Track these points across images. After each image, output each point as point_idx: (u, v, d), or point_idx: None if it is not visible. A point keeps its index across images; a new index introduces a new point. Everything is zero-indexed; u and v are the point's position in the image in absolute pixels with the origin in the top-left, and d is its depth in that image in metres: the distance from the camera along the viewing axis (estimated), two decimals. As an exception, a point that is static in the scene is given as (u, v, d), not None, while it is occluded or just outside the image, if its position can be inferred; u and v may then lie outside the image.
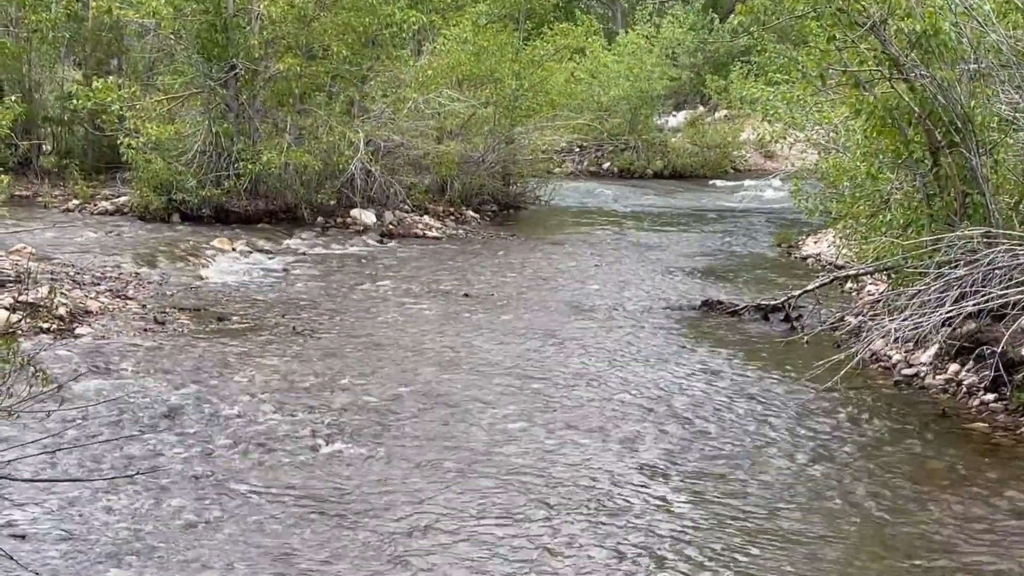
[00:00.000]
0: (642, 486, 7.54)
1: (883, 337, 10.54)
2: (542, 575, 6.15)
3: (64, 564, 6.04)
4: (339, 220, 19.19)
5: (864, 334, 10.84)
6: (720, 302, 13.65)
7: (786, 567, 6.33)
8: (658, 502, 7.27)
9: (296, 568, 6.14)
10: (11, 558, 5.90)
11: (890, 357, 10.84)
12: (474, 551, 6.42)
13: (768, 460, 8.14)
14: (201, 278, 14.47)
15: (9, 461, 7.00)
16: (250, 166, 18.25)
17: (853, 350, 10.08)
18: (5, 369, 6.24)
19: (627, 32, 35.71)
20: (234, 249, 16.39)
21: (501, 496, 7.26)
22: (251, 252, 16.45)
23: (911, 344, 10.58)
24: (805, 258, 17.99)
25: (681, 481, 7.67)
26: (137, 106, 18.71)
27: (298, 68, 18.68)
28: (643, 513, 7.07)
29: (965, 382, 9.85)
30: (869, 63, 10.98)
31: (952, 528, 6.93)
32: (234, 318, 12.17)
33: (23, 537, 6.32)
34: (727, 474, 7.83)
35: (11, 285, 11.94)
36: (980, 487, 7.67)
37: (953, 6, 10.40)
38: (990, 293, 9.41)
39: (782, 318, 12.84)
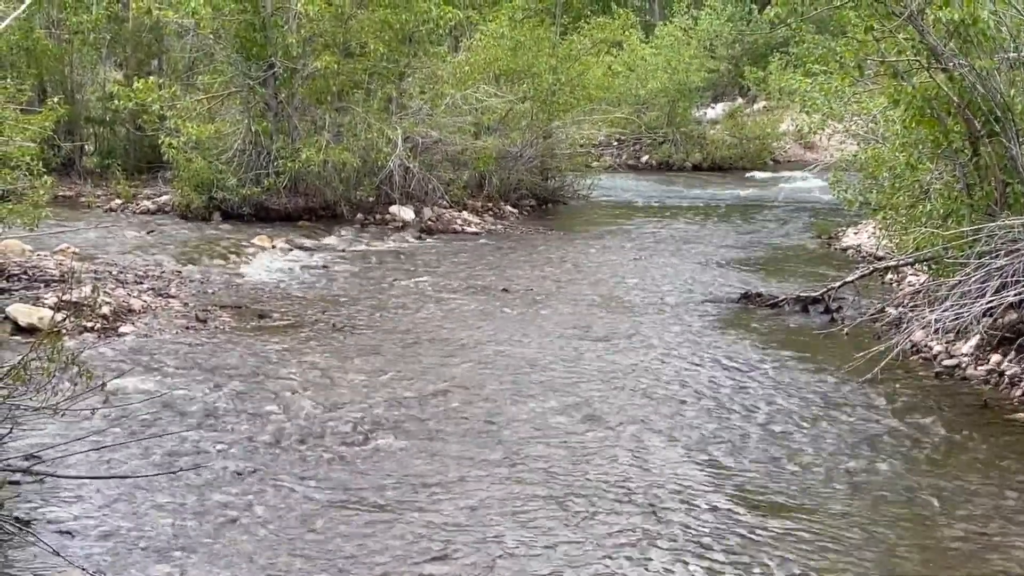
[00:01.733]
0: (682, 481, 7.54)
1: (924, 328, 10.50)
2: (582, 570, 6.18)
3: (110, 560, 6.12)
4: (378, 217, 19.27)
5: (904, 325, 10.80)
6: (760, 294, 13.62)
7: (827, 556, 6.33)
8: (699, 497, 7.27)
9: (339, 562, 6.19)
10: (58, 554, 5.98)
11: (931, 348, 10.77)
12: (515, 547, 6.45)
13: (809, 451, 8.12)
14: (242, 276, 14.58)
15: (55, 459, 7.11)
16: (289, 164, 18.36)
17: (893, 341, 10.04)
18: (50, 368, 6.33)
19: (664, 24, 35.59)
20: (274, 246, 16.50)
21: (542, 491, 7.28)
22: (291, 249, 16.55)
23: (952, 335, 10.52)
24: (845, 249, 17.89)
25: (722, 474, 7.67)
26: (177, 106, 18.85)
27: (336, 66, 18.76)
28: (683, 509, 7.08)
29: (1007, 372, 9.78)
30: (907, 53, 10.92)
31: (995, 520, 6.90)
32: (275, 315, 12.27)
33: (70, 533, 6.40)
34: (769, 465, 7.82)
35: (56, 285, 12.10)
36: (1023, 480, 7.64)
37: (992, -6, 10.34)
38: (1031, 283, 9.36)
39: (822, 310, 12.79)
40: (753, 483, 7.53)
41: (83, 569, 5.88)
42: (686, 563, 6.25)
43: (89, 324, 10.96)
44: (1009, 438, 8.47)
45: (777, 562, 6.27)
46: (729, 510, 7.04)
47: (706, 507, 7.07)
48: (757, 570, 6.18)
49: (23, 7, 4.93)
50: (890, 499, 7.28)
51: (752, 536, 6.63)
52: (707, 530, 6.70)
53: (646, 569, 6.17)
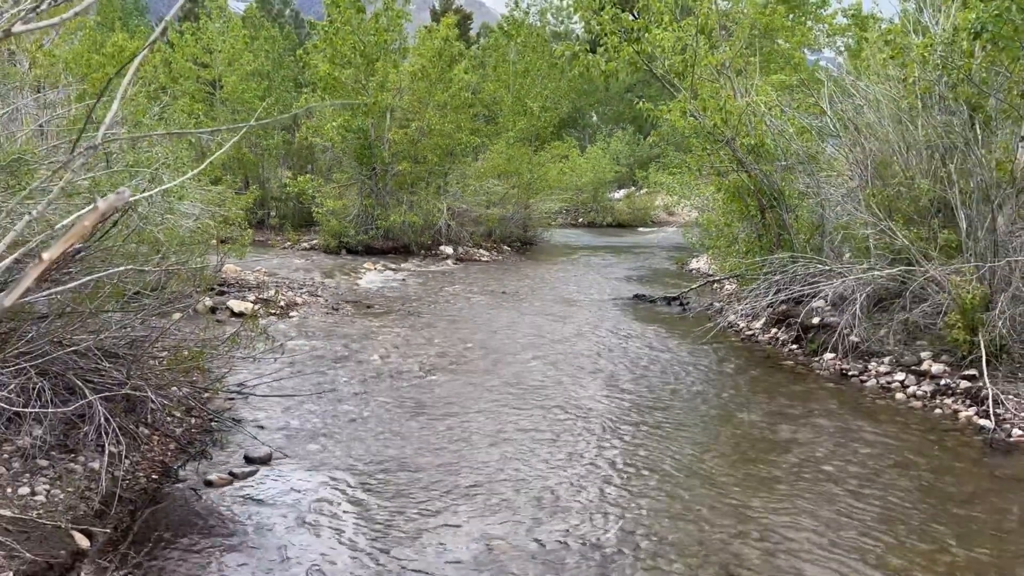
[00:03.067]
0: (600, 394, 7.56)
1: (734, 314, 10.56)
2: (544, 435, 6.20)
3: (284, 442, 6.14)
4: (433, 252, 19.24)
5: (724, 312, 10.84)
6: (644, 295, 13.64)
7: (676, 433, 6.35)
8: (608, 402, 7.29)
9: (410, 440, 6.21)
10: (255, 438, 6.02)
11: (739, 325, 10.81)
12: (507, 428, 6.46)
13: (668, 380, 8.14)
14: (357, 285, 14.56)
15: (254, 385, 7.13)
16: (383, 222, 18.41)
17: (718, 322, 10.10)
18: (251, 335, 6.36)
19: (591, 146, 35.62)
20: (375, 268, 16.49)
21: (522, 401, 7.30)
22: (384, 270, 16.52)
23: (750, 318, 10.58)
24: (692, 270, 17.89)
25: (622, 390, 7.69)
26: (321, 190, 18.93)
27: (409, 168, 18.84)
28: (597, 408, 7.09)
29: (780, 338, 9.83)
30: (725, 162, 11.01)
31: (774, 416, 6.93)
32: (375, 306, 12.26)
33: (261, 427, 6.43)
34: (645, 386, 7.83)
35: (254, 289, 12.12)
36: (787, 395, 7.65)
37: (772, 130, 10.41)
38: (793, 289, 9.41)
39: (678, 304, 12.81)
40: (636, 392, 7.55)
41: (268, 446, 5.91)
42: (593, 425, 6.29)
43: (273, 311, 10.99)
44: (780, 373, 8.51)
45: (648, 433, 6.31)
46: (620, 408, 7.06)
47: (609, 403, 7.11)
48: (642, 432, 6.21)
49: (235, 138, 4.96)
50: (713, 405, 7.31)
51: (633, 418, 6.67)
52: (609, 415, 6.74)
53: (571, 434, 6.21)
